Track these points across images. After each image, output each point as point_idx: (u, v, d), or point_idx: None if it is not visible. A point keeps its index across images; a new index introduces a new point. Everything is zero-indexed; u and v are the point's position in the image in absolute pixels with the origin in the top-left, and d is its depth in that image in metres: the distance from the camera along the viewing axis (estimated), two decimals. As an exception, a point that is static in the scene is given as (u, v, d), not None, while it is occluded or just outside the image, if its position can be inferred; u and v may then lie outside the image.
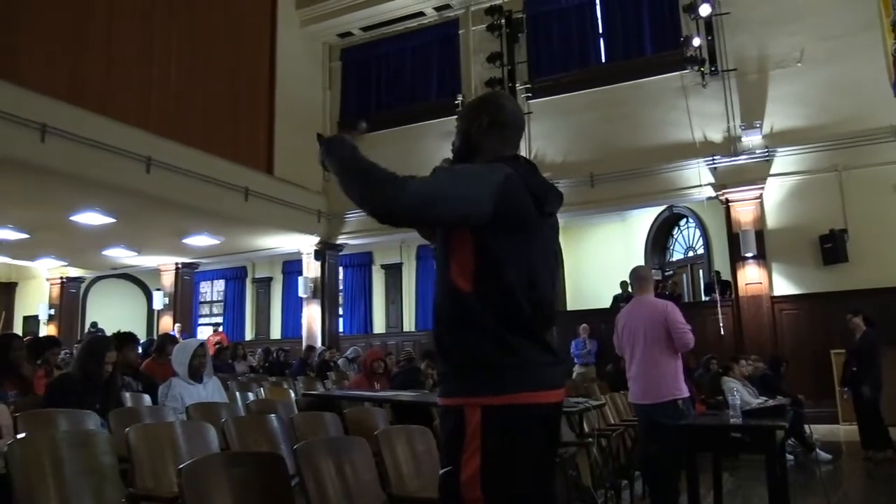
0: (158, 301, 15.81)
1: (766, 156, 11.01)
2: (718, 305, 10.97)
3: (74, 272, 16.97)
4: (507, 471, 1.86)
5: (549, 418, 1.96)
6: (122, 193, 10.45)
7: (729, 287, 11.23)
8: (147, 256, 15.27)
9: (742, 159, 11.14)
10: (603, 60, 13.03)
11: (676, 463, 4.58)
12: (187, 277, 15.96)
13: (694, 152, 11.41)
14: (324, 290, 14.57)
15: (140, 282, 19.06)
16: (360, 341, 15.14)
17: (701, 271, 13.11)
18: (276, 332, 18.21)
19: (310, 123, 14.68)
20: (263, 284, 18.79)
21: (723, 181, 11.23)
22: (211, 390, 4.97)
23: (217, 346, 11.62)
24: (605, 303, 12.39)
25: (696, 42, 11.42)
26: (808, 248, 10.61)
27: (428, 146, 13.62)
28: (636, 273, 5.20)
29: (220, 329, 17.17)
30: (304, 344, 13.97)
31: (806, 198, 10.78)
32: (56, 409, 3.81)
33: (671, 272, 13.63)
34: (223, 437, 3.51)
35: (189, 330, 15.30)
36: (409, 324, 16.50)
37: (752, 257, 10.86)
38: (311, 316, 14.67)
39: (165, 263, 15.76)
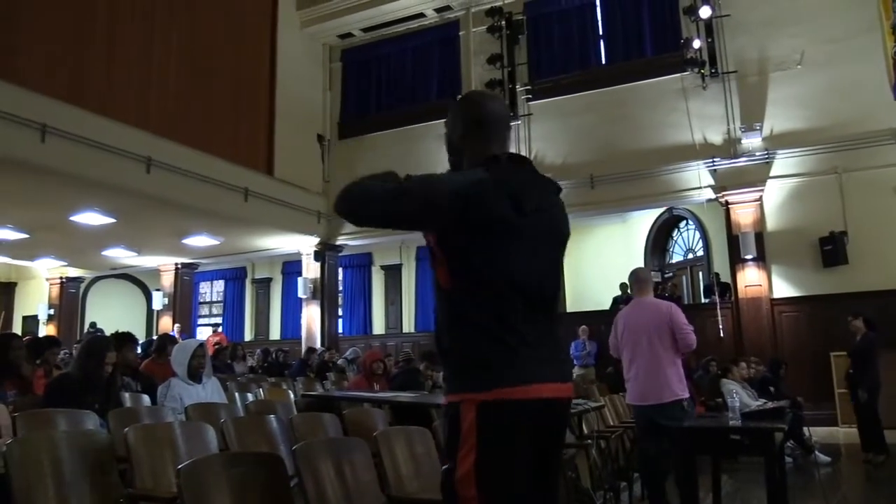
0: (158, 301, 15.81)
1: (766, 158, 11.01)
2: (718, 307, 10.98)
3: (74, 272, 16.96)
4: (502, 468, 1.86)
5: (547, 414, 1.94)
6: (121, 193, 10.45)
7: (728, 289, 11.23)
8: (147, 257, 15.26)
9: (742, 161, 11.15)
10: (603, 62, 13.04)
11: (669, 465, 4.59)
12: (187, 278, 15.95)
13: (694, 154, 11.42)
14: (323, 291, 14.57)
15: (140, 282, 19.06)
16: (359, 342, 15.13)
17: (701, 273, 13.11)
18: (275, 333, 18.19)
19: (310, 124, 14.74)
20: (263, 285, 18.78)
21: (723, 183, 11.23)
22: (210, 391, 4.97)
23: (216, 346, 11.61)
24: (605, 304, 12.39)
25: (697, 44, 11.43)
26: (808, 251, 10.61)
27: (428, 147, 13.62)
28: (636, 275, 5.19)
29: (220, 329, 17.15)
30: (303, 345, 13.97)
31: (806, 200, 10.78)
32: (55, 409, 3.81)
33: (671, 274, 13.63)
34: (222, 437, 3.51)
35: (188, 330, 15.30)
36: (408, 325, 16.50)
37: (752, 259, 10.86)
38: (311, 317, 14.67)
39: (165, 264, 15.76)
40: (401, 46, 14.83)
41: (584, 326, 12.05)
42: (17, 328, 16.98)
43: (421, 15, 14.29)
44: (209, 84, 12.33)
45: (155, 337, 11.77)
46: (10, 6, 9.43)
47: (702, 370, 8.83)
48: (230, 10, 13.14)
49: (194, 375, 4.89)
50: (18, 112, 8.64)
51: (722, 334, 10.86)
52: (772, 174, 11.01)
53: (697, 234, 13.22)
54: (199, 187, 11.32)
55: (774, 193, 11.01)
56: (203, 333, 17.19)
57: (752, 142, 11.09)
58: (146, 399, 5.09)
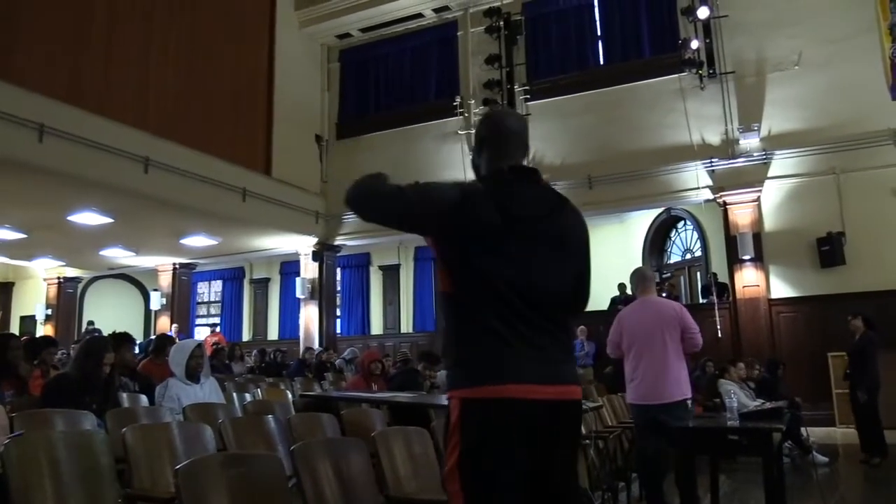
0: (156, 301, 15.80)
1: (764, 158, 11.02)
2: (716, 308, 10.99)
3: (72, 272, 16.95)
4: (483, 465, 1.89)
5: (541, 415, 1.94)
6: (119, 193, 10.44)
7: (726, 289, 11.24)
8: (144, 257, 15.25)
9: (740, 162, 11.16)
10: (601, 63, 13.06)
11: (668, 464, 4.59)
12: (185, 278, 15.94)
13: (692, 155, 11.43)
14: (321, 291, 14.57)
15: (137, 282, 19.04)
16: (357, 342, 15.13)
17: (698, 273, 13.12)
18: (273, 333, 18.19)
19: (308, 124, 14.74)
20: (261, 285, 18.78)
21: (720, 184, 11.24)
22: (208, 391, 4.97)
23: (214, 346, 11.60)
24: (603, 305, 12.38)
25: (695, 45, 11.44)
26: (806, 251, 10.62)
27: (426, 147, 13.65)
28: (640, 274, 5.11)
29: (218, 330, 17.13)
30: (301, 345, 13.97)
31: (804, 201, 10.79)
32: (53, 410, 3.80)
33: (669, 274, 13.65)
34: (220, 437, 3.51)
35: (186, 330, 15.28)
36: (406, 325, 16.50)
37: (750, 260, 10.87)
38: (309, 317, 14.66)
39: (163, 264, 15.75)
40: (399, 47, 14.83)
41: (582, 327, 12.04)
42: (14, 328, 16.98)
43: (419, 15, 14.29)
44: (207, 84, 12.32)
45: (153, 337, 11.77)
46: (9, 6, 9.42)
47: (699, 370, 8.83)
48: (229, 11, 13.13)
49: (192, 376, 4.89)
50: (16, 112, 8.63)
51: (720, 335, 10.86)
52: (770, 175, 11.02)
53: (695, 235, 13.23)
54: (197, 187, 11.31)
55: (772, 194, 11.02)
56: (201, 333, 17.18)
57: (749, 142, 11.10)
58: (144, 399, 5.08)
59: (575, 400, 2.05)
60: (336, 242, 14.64)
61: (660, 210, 13.33)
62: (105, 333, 9.30)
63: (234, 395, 6.24)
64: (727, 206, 11.21)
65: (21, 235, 12.46)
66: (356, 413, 4.71)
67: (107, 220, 11.58)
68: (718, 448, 4.58)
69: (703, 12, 11.35)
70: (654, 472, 4.77)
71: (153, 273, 16.32)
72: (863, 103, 10.35)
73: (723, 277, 11.42)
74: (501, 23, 13.30)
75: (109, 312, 17.43)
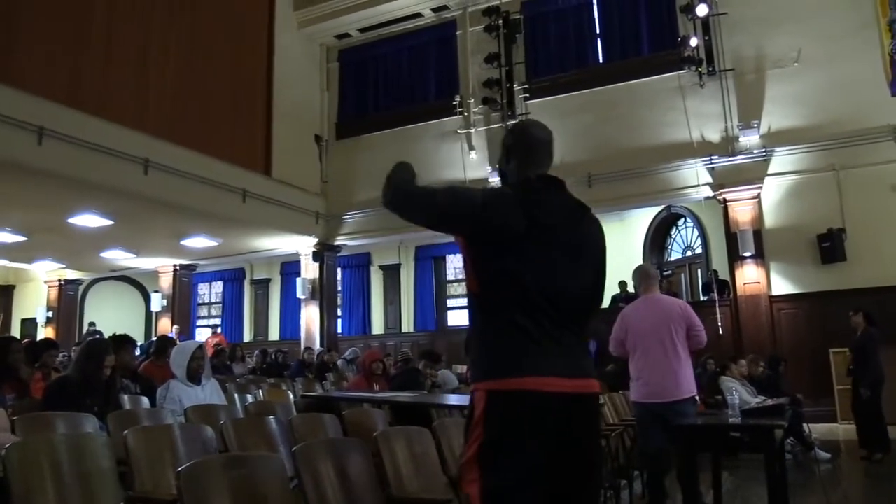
0: (157, 303, 15.79)
1: (764, 155, 11.01)
2: (717, 305, 10.98)
3: (72, 274, 16.95)
4: (504, 456, 1.96)
5: (561, 408, 2.01)
6: (119, 195, 10.44)
7: (727, 287, 11.23)
8: (145, 258, 15.25)
9: (740, 159, 11.15)
10: (600, 61, 13.05)
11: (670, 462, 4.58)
12: (185, 279, 15.95)
13: (692, 152, 11.42)
14: (322, 292, 14.56)
15: (138, 284, 19.04)
16: (358, 342, 15.14)
17: (699, 271, 13.10)
18: (274, 334, 18.19)
19: (307, 125, 14.74)
20: (262, 286, 18.77)
21: (721, 181, 11.23)
22: (209, 392, 4.97)
23: (216, 347, 11.60)
24: (604, 303, 12.38)
25: (694, 42, 11.43)
26: (807, 248, 10.61)
27: (425, 146, 13.63)
28: (643, 271, 5.06)
29: (219, 331, 17.14)
30: (302, 345, 13.96)
31: (804, 197, 10.78)
32: (54, 412, 3.80)
33: (670, 272, 13.64)
34: (222, 439, 3.51)
35: (187, 332, 15.29)
36: (407, 325, 16.49)
37: (751, 257, 10.86)
38: (310, 317, 14.66)
39: (163, 265, 15.75)
40: (398, 46, 14.82)
41: (583, 325, 12.03)
42: (15, 331, 16.98)
43: (418, 15, 14.28)
44: (207, 85, 12.32)
45: (154, 339, 11.76)
46: (8, 7, 9.41)
47: (700, 368, 8.83)
48: (227, 12, 13.12)
49: (193, 377, 4.89)
50: (15, 114, 8.63)
51: (721, 332, 10.85)
52: (770, 171, 11.01)
53: (696, 232, 13.22)
54: (197, 188, 11.31)
55: (772, 191, 11.01)
56: (202, 335, 17.18)
57: (749, 139, 11.09)
58: (145, 401, 5.07)
59: (594, 393, 2.14)
60: (336, 242, 14.64)
61: (660, 208, 13.32)
62: (106, 335, 9.30)
63: (236, 396, 6.25)
64: (727, 204, 11.20)
65: (21, 238, 12.46)
66: (358, 413, 4.71)
67: (107, 222, 11.58)
68: (721, 445, 4.59)
69: (702, 10, 11.33)
70: (656, 470, 4.76)
71: (154, 275, 16.33)
72: (862, 100, 10.34)
73: (723, 274, 11.41)
74: (500, 21, 13.29)
75: (110, 314, 17.45)
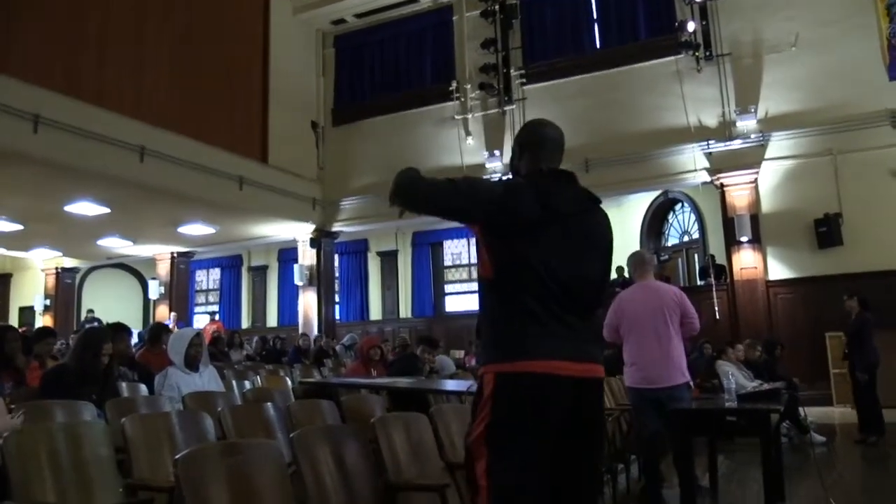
0: (154, 290, 15.80)
1: (761, 140, 11.00)
2: (714, 289, 11.01)
3: (69, 262, 16.94)
4: (508, 438, 2.03)
5: (567, 390, 2.07)
6: (116, 183, 10.42)
7: (724, 271, 11.25)
8: (142, 246, 15.24)
9: (737, 144, 11.14)
10: (597, 46, 13.01)
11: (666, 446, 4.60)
12: (183, 266, 15.95)
13: (689, 137, 11.41)
14: (320, 278, 14.57)
15: (135, 271, 19.03)
16: (356, 328, 15.17)
17: (696, 256, 13.11)
18: (272, 320, 18.21)
19: (304, 111, 14.68)
20: (259, 273, 18.78)
21: (718, 166, 11.23)
22: (207, 379, 4.97)
23: (214, 334, 11.62)
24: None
25: (691, 27, 11.38)
26: (803, 232, 10.63)
27: (422, 132, 13.60)
28: (639, 257, 5.03)
29: (217, 318, 17.16)
30: (300, 331, 13.99)
31: (801, 182, 10.79)
32: (52, 401, 3.80)
33: (667, 257, 13.65)
34: (220, 426, 3.51)
35: (185, 319, 15.30)
36: (405, 310, 16.52)
37: (748, 241, 10.88)
38: (308, 303, 14.68)
39: (161, 252, 15.74)
40: (394, 32, 14.75)
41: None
42: (13, 320, 16.98)
43: (414, 0, 14.20)
44: (202, 72, 12.26)
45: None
46: (1, -5, 9.36)
47: (697, 352, 8.86)
48: (223, -1, 13.05)
49: (191, 364, 4.89)
50: (10, 102, 8.60)
51: (718, 316, 10.89)
52: (767, 156, 11.01)
53: (693, 217, 13.22)
54: (194, 176, 11.29)
55: (769, 176, 11.01)
56: (200, 322, 17.20)
57: (746, 124, 11.08)
58: (143, 389, 5.08)
59: (599, 377, 2.21)
60: (334, 229, 14.63)
61: (657, 193, 13.31)
62: (104, 323, 9.30)
63: (234, 382, 6.25)
64: (724, 188, 11.21)
65: (18, 226, 12.45)
66: (356, 399, 4.72)
67: (104, 209, 11.57)
68: (717, 429, 4.60)
69: (699, -7, 11.30)
70: (652, 454, 4.78)
71: (151, 262, 16.33)
72: (860, 84, 10.33)
73: (720, 259, 11.43)
74: (497, 6, 13.22)
75: (108, 302, 17.44)
